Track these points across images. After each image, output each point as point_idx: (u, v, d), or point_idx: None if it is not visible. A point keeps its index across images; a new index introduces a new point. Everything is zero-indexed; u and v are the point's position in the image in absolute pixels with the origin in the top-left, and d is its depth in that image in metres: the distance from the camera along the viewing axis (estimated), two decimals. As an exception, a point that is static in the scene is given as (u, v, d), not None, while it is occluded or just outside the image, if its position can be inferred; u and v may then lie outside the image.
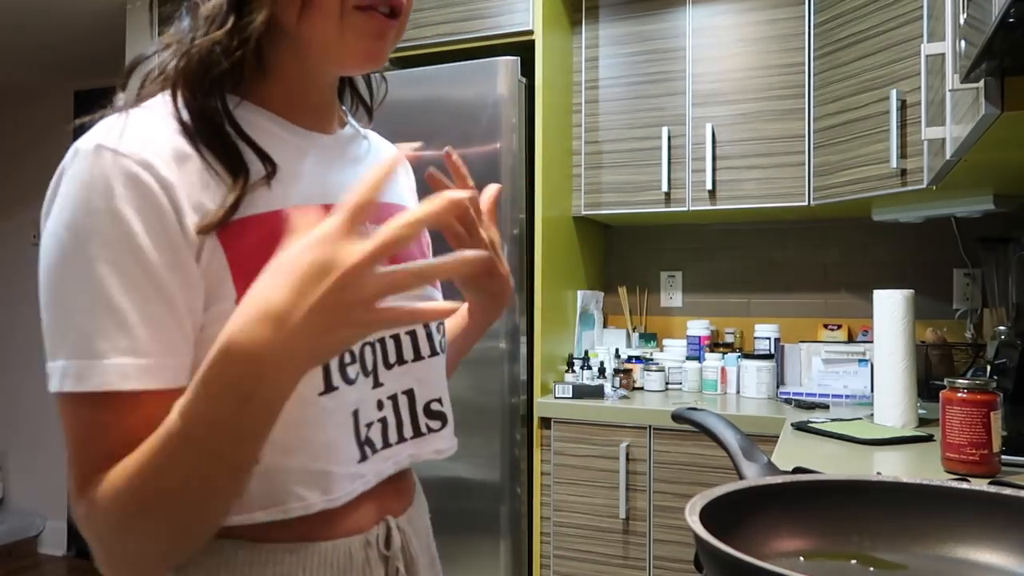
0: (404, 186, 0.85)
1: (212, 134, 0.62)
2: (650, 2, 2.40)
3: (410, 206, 0.83)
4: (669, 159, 2.35)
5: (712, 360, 2.42)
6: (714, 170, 2.31)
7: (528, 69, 2.25)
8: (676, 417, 0.94)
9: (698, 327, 2.54)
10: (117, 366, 0.55)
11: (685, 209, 2.35)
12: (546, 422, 2.21)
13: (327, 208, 0.67)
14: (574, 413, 2.17)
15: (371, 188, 0.51)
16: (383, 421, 0.71)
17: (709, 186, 2.31)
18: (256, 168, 0.63)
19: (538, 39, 2.25)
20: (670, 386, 2.45)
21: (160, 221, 0.57)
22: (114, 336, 0.55)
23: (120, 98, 0.64)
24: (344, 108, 0.81)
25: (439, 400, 0.77)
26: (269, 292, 0.49)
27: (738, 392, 2.37)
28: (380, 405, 0.71)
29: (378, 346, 0.71)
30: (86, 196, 0.56)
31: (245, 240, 0.61)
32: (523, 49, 2.25)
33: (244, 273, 0.59)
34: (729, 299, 2.67)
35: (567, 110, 2.47)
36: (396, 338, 0.73)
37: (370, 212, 0.51)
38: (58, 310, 0.56)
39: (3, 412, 3.81)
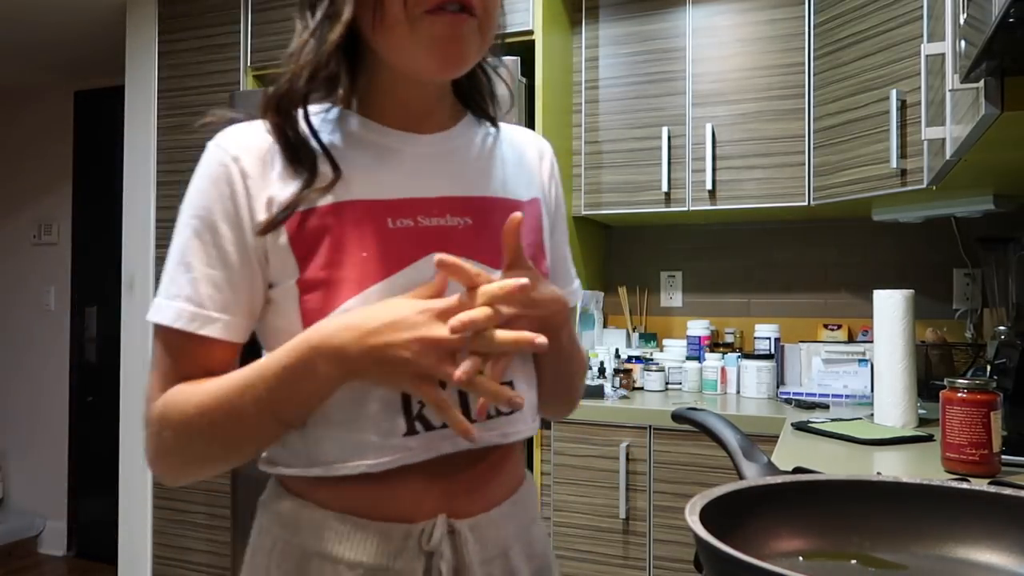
0: (521, 179, 0.83)
1: (289, 143, 0.72)
2: (650, 2, 2.40)
3: (519, 198, 0.81)
4: (669, 159, 2.35)
5: (712, 360, 2.41)
6: (714, 170, 2.31)
7: (528, 69, 2.24)
8: (676, 417, 0.94)
9: (698, 327, 2.54)
10: (177, 308, 0.70)
11: (685, 209, 2.35)
12: (546, 422, 2.21)
13: (394, 203, 0.73)
14: (574, 413, 2.16)
15: (486, 317, 0.63)
16: None
17: (709, 186, 2.31)
18: (326, 170, 0.72)
19: (538, 39, 2.25)
20: (670, 386, 2.45)
21: (234, 203, 0.71)
22: (183, 285, 0.70)
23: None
24: (468, 109, 0.83)
25: (510, 383, 0.76)
26: (366, 318, 0.65)
27: (738, 392, 2.37)
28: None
29: None
30: (197, 176, 0.73)
31: (307, 228, 0.71)
32: (523, 49, 2.25)
33: (304, 255, 0.71)
34: (729, 299, 2.67)
35: (567, 110, 2.47)
36: None
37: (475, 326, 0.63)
38: (168, 258, 0.73)
39: (3, 412, 3.81)
